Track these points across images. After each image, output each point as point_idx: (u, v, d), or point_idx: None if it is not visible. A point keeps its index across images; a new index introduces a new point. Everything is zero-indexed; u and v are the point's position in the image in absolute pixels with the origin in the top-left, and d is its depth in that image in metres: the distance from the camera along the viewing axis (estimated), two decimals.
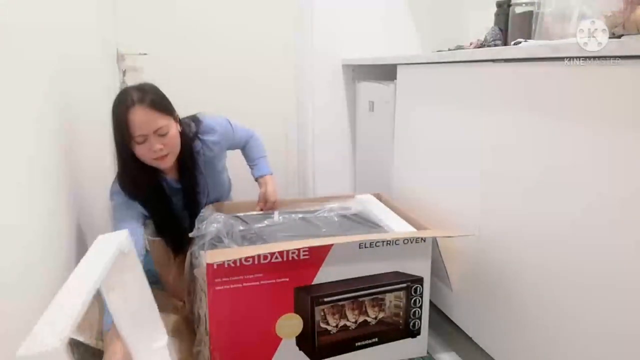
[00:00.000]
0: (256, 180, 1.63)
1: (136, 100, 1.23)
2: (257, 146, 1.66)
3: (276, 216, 1.50)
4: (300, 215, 1.51)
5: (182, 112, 1.75)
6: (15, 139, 0.87)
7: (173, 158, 1.33)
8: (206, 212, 1.47)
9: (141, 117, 1.22)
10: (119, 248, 0.84)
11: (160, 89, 1.32)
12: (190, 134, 1.41)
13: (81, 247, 1.30)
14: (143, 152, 1.27)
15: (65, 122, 1.28)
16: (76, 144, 1.38)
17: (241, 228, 1.41)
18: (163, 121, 1.26)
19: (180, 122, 1.37)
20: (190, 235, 1.35)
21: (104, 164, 1.82)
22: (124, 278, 0.88)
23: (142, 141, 1.25)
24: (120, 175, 1.35)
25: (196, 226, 1.38)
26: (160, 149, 1.26)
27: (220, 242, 1.29)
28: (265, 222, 1.46)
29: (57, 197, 1.11)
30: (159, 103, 1.27)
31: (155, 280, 1.72)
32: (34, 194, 0.95)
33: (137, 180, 1.33)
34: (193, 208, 1.49)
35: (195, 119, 1.45)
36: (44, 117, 1.09)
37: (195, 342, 1.32)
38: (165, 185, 1.43)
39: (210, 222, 1.37)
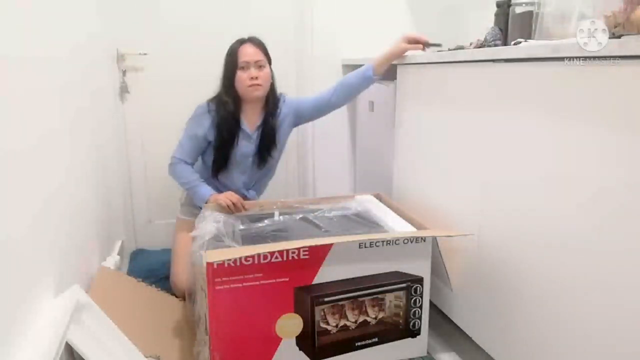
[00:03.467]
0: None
1: (247, 39, 1.68)
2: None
3: (276, 216, 1.50)
4: (301, 215, 1.51)
5: (183, 111, 1.75)
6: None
7: (263, 92, 1.68)
8: (206, 211, 1.48)
9: (248, 49, 1.65)
10: (75, 302, 0.96)
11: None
12: (278, 92, 1.78)
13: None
14: (243, 77, 1.64)
15: (71, 122, 1.29)
16: (80, 144, 1.38)
17: (241, 227, 1.41)
18: (262, 57, 1.66)
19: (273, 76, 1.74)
20: (191, 234, 1.36)
21: (109, 162, 1.83)
22: (87, 325, 0.98)
23: (244, 66, 1.64)
24: (220, 95, 1.69)
25: (196, 226, 1.38)
26: (256, 77, 1.64)
27: (221, 241, 1.29)
28: (266, 222, 1.46)
29: (72, 196, 1.12)
30: (263, 46, 1.69)
31: (155, 281, 1.72)
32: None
33: (229, 101, 1.67)
34: (263, 158, 1.75)
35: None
36: (57, 117, 1.09)
37: (195, 342, 1.32)
38: (241, 129, 1.71)
39: (211, 221, 1.37)
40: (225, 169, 1.72)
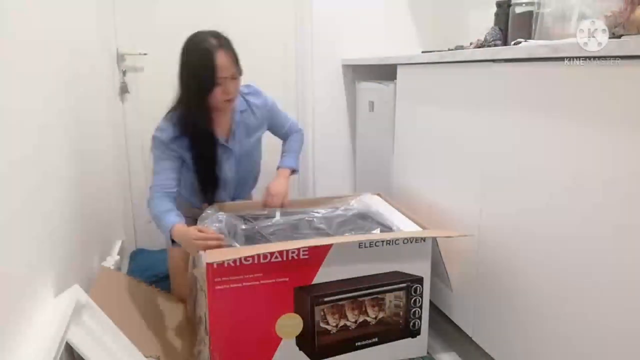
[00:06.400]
0: (277, 170, 1.63)
1: (218, 45, 1.33)
2: (296, 142, 1.69)
3: (278, 216, 1.50)
4: (302, 215, 1.51)
5: None
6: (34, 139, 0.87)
7: (233, 104, 1.45)
8: (209, 211, 1.47)
9: (224, 61, 1.33)
10: (75, 302, 0.95)
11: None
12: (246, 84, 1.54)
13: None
14: (218, 94, 1.36)
15: (71, 122, 1.29)
16: (80, 144, 1.38)
17: (243, 227, 1.40)
18: (235, 66, 1.37)
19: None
20: None
21: (109, 162, 1.83)
22: (87, 325, 0.97)
23: (221, 83, 1.35)
24: (183, 112, 1.40)
25: (197, 224, 1.38)
26: (232, 92, 1.38)
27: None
28: (267, 222, 1.46)
29: (72, 196, 1.12)
30: (233, 50, 1.38)
31: (155, 281, 1.72)
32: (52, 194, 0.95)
33: (197, 119, 1.39)
34: (244, 163, 1.57)
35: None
36: (55, 117, 1.09)
37: (196, 342, 1.32)
38: (218, 143, 1.48)
39: (213, 220, 1.37)
40: (215, 190, 1.51)
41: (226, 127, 1.51)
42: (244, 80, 2.13)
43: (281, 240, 1.29)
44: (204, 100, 1.37)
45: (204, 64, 1.33)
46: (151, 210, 1.38)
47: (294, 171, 1.64)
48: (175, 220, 1.29)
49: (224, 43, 1.36)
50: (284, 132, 1.68)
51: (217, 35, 1.37)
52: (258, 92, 1.58)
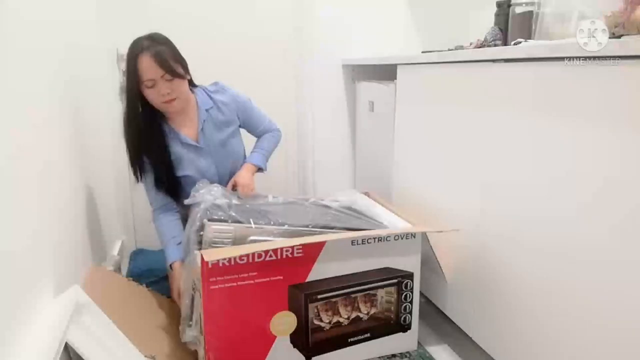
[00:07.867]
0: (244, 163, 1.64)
1: (145, 48, 1.34)
2: (269, 140, 1.69)
3: (270, 198, 1.49)
4: (293, 199, 1.50)
5: None
6: (30, 142, 0.87)
7: (180, 104, 1.44)
8: (200, 184, 1.42)
9: (146, 65, 1.34)
10: (75, 303, 0.96)
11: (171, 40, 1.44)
12: (203, 88, 1.56)
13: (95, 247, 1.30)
14: (153, 96, 1.39)
15: (71, 122, 1.29)
16: (80, 144, 1.38)
17: (236, 202, 1.37)
18: (163, 71, 1.36)
19: (189, 73, 1.48)
20: (185, 202, 1.34)
21: (109, 162, 1.82)
22: (86, 325, 0.98)
23: (151, 85, 1.37)
24: (124, 117, 1.44)
25: (192, 194, 1.34)
26: (167, 93, 1.38)
27: (218, 209, 1.25)
28: (259, 201, 1.44)
29: (71, 196, 1.11)
30: (162, 56, 1.36)
31: (155, 281, 1.72)
32: (50, 196, 0.95)
33: (138, 120, 1.43)
34: (224, 158, 1.59)
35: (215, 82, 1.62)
36: (54, 118, 1.09)
37: (180, 319, 1.30)
38: (178, 140, 1.51)
39: (208, 191, 1.34)
40: (180, 191, 1.52)
41: (194, 128, 1.53)
42: (241, 79, 2.13)
43: (271, 218, 1.28)
44: (137, 103, 1.41)
45: (129, 68, 1.37)
46: (157, 233, 1.51)
47: (260, 169, 1.65)
48: (173, 258, 1.43)
49: (151, 49, 1.35)
50: (259, 131, 1.69)
51: (150, 37, 1.38)
52: (224, 89, 1.60)
